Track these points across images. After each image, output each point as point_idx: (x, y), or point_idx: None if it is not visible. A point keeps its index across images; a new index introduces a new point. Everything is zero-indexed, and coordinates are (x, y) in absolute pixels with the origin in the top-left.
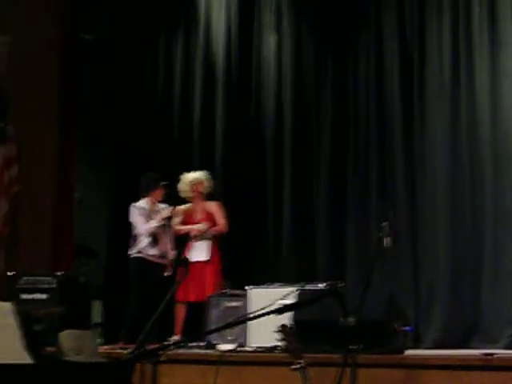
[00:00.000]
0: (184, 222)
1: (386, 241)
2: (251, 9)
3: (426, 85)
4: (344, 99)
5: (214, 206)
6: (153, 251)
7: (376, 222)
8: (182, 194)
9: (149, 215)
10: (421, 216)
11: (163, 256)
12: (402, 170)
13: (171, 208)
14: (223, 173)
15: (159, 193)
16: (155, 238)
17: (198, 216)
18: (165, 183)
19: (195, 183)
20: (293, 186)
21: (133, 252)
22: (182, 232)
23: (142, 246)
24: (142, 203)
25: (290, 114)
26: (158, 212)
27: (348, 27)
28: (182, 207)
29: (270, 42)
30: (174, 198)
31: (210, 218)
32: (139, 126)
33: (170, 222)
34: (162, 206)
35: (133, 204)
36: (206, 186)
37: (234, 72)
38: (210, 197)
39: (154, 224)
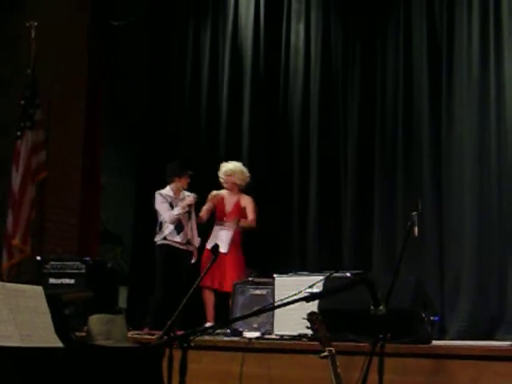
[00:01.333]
0: (216, 207)
1: (415, 230)
2: None
3: (454, 74)
4: (372, 88)
5: (246, 200)
6: (178, 238)
7: (402, 211)
8: (221, 181)
9: (173, 203)
10: (447, 205)
11: (188, 243)
12: (428, 160)
13: (195, 195)
14: (249, 162)
15: (185, 181)
16: (180, 225)
17: (228, 207)
18: (190, 172)
19: (229, 174)
20: (319, 175)
21: (158, 239)
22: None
23: (167, 233)
24: (167, 190)
25: (317, 101)
26: (182, 199)
27: (376, 15)
28: (215, 192)
29: (298, 29)
30: (199, 187)
31: (240, 210)
32: (166, 113)
33: (194, 209)
34: (187, 193)
35: (158, 191)
36: (241, 177)
37: (262, 60)
38: (245, 189)
39: (177, 211)
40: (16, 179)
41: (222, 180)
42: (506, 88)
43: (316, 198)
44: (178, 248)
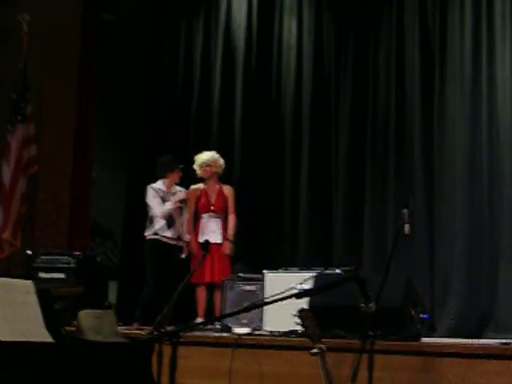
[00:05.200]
0: (198, 202)
1: (406, 228)
2: None
3: (446, 73)
4: (364, 85)
5: (228, 190)
6: (168, 233)
7: (393, 208)
8: (198, 174)
9: (165, 197)
10: (438, 204)
11: (179, 238)
12: (420, 158)
13: (186, 190)
14: (241, 158)
15: (176, 175)
16: (171, 220)
17: (213, 198)
18: (182, 166)
19: (208, 164)
20: (310, 172)
21: (149, 234)
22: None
23: (158, 228)
24: (159, 185)
25: (309, 98)
26: (174, 194)
27: (369, 12)
28: (195, 186)
29: (290, 26)
30: (190, 181)
31: (225, 199)
32: (158, 107)
33: (185, 205)
34: (179, 188)
35: (149, 185)
36: (219, 166)
37: (255, 56)
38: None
39: (168, 206)
40: (7, 173)
41: (199, 172)
42: (497, 87)
43: (307, 195)
44: (168, 243)
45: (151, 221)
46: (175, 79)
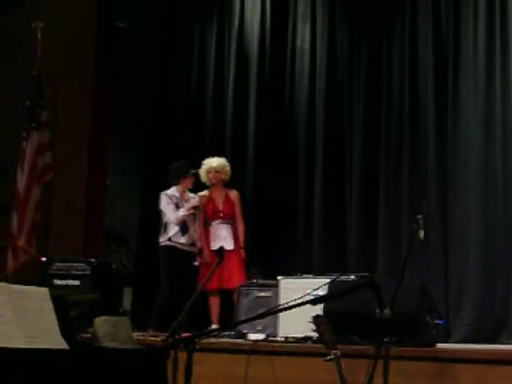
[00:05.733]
0: (206, 209)
1: (420, 233)
2: None
3: (459, 76)
4: (377, 89)
5: (234, 195)
6: (182, 239)
7: (407, 214)
8: (203, 179)
9: (179, 203)
10: (452, 209)
11: (193, 244)
12: (434, 163)
13: (200, 197)
14: (255, 164)
15: (189, 181)
16: (185, 227)
17: (220, 204)
18: (194, 172)
19: (218, 170)
20: (324, 177)
21: (163, 240)
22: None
23: (172, 234)
24: (172, 191)
25: (323, 103)
26: (187, 200)
27: (382, 17)
28: (202, 194)
29: (304, 31)
30: (204, 187)
31: (232, 204)
32: (172, 114)
33: (199, 211)
34: (192, 195)
35: (163, 192)
36: (227, 172)
37: (268, 62)
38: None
39: (182, 212)
40: (21, 180)
41: (207, 177)
42: (511, 89)
43: (321, 201)
44: (182, 249)
45: (165, 227)
46: (189, 84)
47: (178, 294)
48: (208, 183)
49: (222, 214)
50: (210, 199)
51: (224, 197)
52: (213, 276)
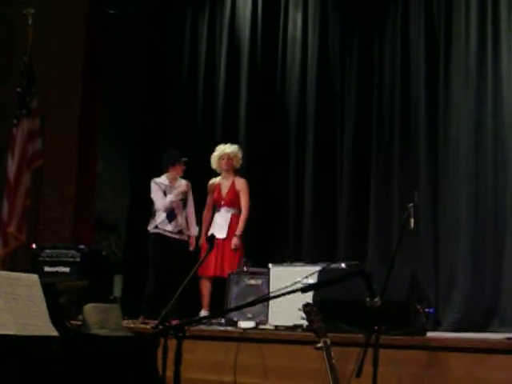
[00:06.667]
0: (214, 197)
1: (411, 222)
2: None
3: (451, 66)
4: (369, 78)
5: (242, 183)
6: (169, 227)
7: (398, 203)
8: (213, 166)
9: (167, 191)
10: (443, 198)
11: (181, 232)
12: (425, 152)
13: (188, 183)
14: (246, 151)
15: (179, 169)
16: (172, 214)
17: (224, 192)
18: (185, 159)
19: (231, 157)
20: (315, 165)
21: (151, 227)
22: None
23: (159, 222)
24: (163, 179)
25: (314, 91)
26: (177, 188)
27: (374, 5)
28: (212, 181)
29: (296, 18)
30: (195, 174)
31: (237, 194)
32: (162, 101)
33: (190, 198)
34: (183, 181)
35: (153, 179)
36: (239, 159)
37: (260, 49)
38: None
39: (169, 198)
40: (12, 167)
41: (219, 163)
42: (503, 80)
43: (312, 189)
44: (169, 237)
45: (154, 215)
46: (180, 72)
47: (165, 281)
48: (218, 170)
49: (223, 202)
50: (217, 186)
51: (230, 184)
52: (208, 263)
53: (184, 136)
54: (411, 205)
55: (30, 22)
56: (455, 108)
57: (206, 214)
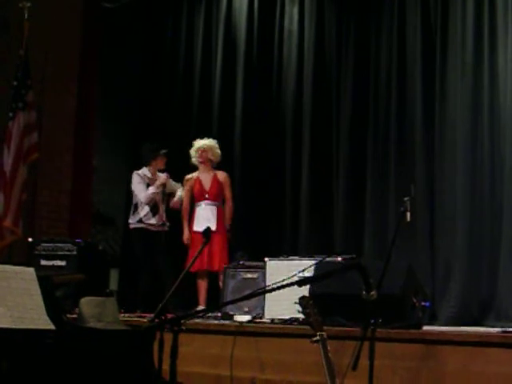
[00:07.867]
0: (193, 190)
1: (407, 215)
2: None
3: (447, 61)
4: (365, 72)
5: (223, 176)
6: (153, 220)
7: (394, 197)
8: (193, 160)
9: (150, 183)
10: (439, 191)
11: (164, 224)
12: (421, 146)
13: (167, 175)
14: (242, 146)
15: (160, 161)
16: (156, 207)
17: (207, 185)
18: (165, 151)
19: (204, 149)
20: (311, 159)
21: (133, 221)
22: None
23: (143, 215)
24: (145, 171)
25: (310, 84)
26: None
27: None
28: (189, 176)
29: (292, 13)
30: (191, 169)
31: (220, 187)
32: (158, 96)
33: (166, 189)
34: (162, 174)
35: (135, 171)
36: (215, 153)
37: (256, 43)
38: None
39: (152, 190)
40: (7, 160)
41: (195, 157)
42: (499, 75)
43: (308, 183)
44: (152, 230)
45: (135, 208)
46: (176, 66)
47: (157, 274)
48: (197, 164)
49: (207, 195)
50: (197, 180)
51: (212, 178)
52: (199, 257)
53: (180, 131)
54: (407, 198)
55: (26, 15)
56: (451, 102)
57: (185, 208)
